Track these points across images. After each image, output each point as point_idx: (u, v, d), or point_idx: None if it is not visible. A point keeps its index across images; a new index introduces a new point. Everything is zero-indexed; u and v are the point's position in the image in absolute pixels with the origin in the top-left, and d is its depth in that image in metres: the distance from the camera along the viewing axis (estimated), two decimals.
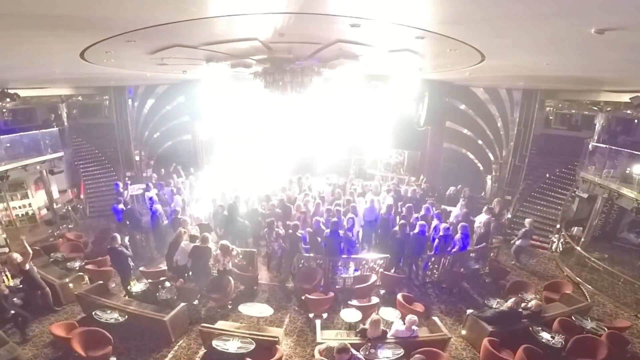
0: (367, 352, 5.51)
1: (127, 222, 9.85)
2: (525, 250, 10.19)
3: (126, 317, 6.42)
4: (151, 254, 9.78)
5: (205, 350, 6.30)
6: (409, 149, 15.35)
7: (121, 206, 10.04)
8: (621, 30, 3.27)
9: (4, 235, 10.02)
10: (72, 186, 13.10)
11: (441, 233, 8.73)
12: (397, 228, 8.68)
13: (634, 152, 8.93)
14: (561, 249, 10.49)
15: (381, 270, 8.39)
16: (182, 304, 6.86)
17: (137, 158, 14.58)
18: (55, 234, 11.06)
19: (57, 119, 12.86)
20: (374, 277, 7.97)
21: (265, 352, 5.66)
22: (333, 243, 8.37)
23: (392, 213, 9.61)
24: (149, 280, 7.63)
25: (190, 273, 7.78)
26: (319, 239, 8.55)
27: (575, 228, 10.86)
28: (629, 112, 10.47)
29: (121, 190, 11.37)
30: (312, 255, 8.50)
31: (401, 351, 5.60)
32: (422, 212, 9.70)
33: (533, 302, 6.72)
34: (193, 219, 9.74)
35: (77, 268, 8.23)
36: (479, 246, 9.14)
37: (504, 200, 12.38)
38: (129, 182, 12.41)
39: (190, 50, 5.88)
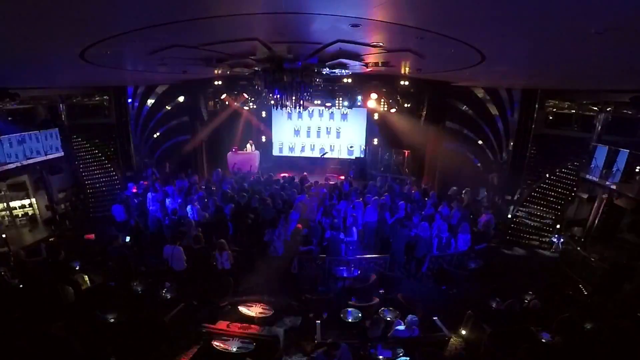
0: (366, 352, 5.51)
1: (134, 217, 9.85)
2: None
3: (126, 316, 6.42)
4: (151, 254, 9.76)
5: (205, 351, 6.29)
6: (409, 149, 15.37)
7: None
8: (621, 30, 3.28)
9: (4, 235, 10.02)
10: (72, 186, 13.09)
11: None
12: (392, 225, 8.71)
13: (633, 152, 8.93)
14: (561, 249, 10.49)
15: (381, 270, 8.40)
16: (182, 304, 6.87)
17: (137, 158, 14.58)
18: (56, 233, 11.06)
19: (57, 119, 12.85)
20: (374, 277, 7.97)
21: (265, 352, 5.66)
22: (334, 243, 8.38)
23: (388, 212, 9.61)
24: (150, 280, 7.64)
25: (190, 274, 7.80)
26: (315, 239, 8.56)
27: (575, 228, 10.85)
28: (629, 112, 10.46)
29: (135, 190, 11.45)
30: (312, 255, 8.51)
31: (401, 351, 5.60)
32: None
33: (532, 302, 6.73)
34: (192, 220, 9.73)
35: (78, 268, 8.22)
36: (479, 246, 9.15)
37: (505, 200, 12.39)
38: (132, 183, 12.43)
39: (189, 50, 5.89)
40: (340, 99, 13.73)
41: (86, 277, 7.99)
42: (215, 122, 15.11)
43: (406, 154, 15.46)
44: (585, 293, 8.60)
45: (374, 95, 13.31)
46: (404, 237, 8.67)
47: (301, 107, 8.38)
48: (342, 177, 15.01)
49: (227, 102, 14.25)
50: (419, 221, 9.02)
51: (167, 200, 10.41)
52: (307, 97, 8.35)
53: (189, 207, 9.83)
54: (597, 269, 8.74)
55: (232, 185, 11.79)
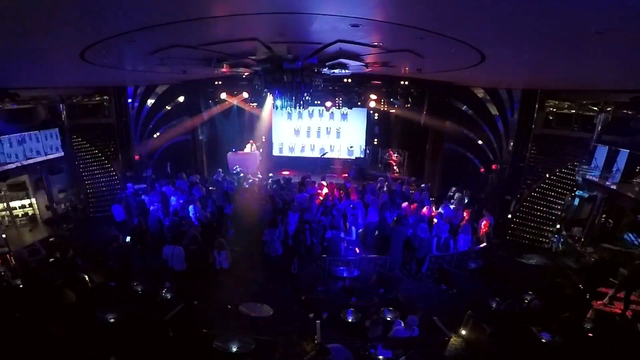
0: (366, 353, 5.51)
1: (136, 216, 9.85)
2: None
3: (126, 317, 6.41)
4: (151, 254, 9.75)
5: (205, 351, 6.29)
6: (409, 149, 15.36)
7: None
8: (621, 30, 3.27)
9: (4, 235, 10.01)
10: (72, 186, 13.09)
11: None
12: (392, 224, 8.71)
13: (633, 152, 8.93)
14: (561, 249, 10.48)
15: (381, 270, 8.40)
16: (182, 304, 6.86)
17: (137, 158, 14.58)
18: (56, 234, 11.05)
19: (57, 119, 12.86)
20: (374, 277, 7.97)
21: (265, 352, 5.66)
22: (334, 243, 8.38)
23: (388, 212, 9.61)
24: (149, 280, 7.64)
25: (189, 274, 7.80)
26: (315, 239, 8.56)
27: (575, 228, 10.85)
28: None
29: (134, 190, 11.47)
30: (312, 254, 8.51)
31: (401, 351, 5.60)
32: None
33: (532, 302, 6.73)
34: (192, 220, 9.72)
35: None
36: (479, 246, 9.15)
37: (505, 200, 12.38)
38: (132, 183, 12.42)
39: (190, 50, 5.89)
40: (340, 99, 13.73)
41: (86, 277, 7.98)
42: (216, 121, 15.11)
43: (406, 154, 15.47)
44: (581, 288, 8.58)
45: (373, 96, 13.32)
46: (402, 235, 8.67)
47: (301, 107, 8.38)
48: (345, 175, 15.03)
49: (227, 101, 14.27)
50: (415, 221, 9.02)
51: (172, 199, 10.42)
52: (307, 97, 8.37)
53: (190, 207, 9.83)
54: None
55: (233, 185, 11.80)
